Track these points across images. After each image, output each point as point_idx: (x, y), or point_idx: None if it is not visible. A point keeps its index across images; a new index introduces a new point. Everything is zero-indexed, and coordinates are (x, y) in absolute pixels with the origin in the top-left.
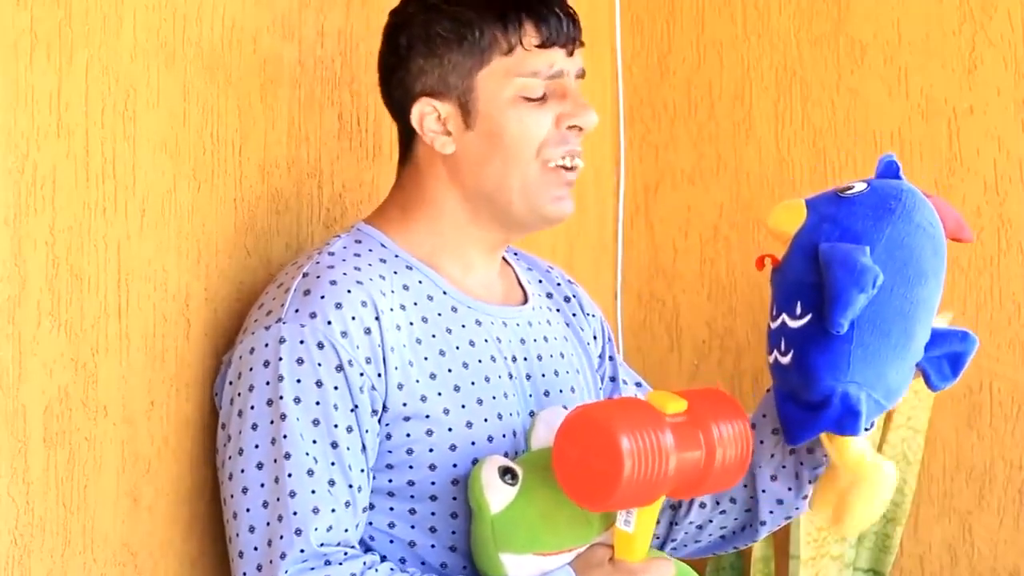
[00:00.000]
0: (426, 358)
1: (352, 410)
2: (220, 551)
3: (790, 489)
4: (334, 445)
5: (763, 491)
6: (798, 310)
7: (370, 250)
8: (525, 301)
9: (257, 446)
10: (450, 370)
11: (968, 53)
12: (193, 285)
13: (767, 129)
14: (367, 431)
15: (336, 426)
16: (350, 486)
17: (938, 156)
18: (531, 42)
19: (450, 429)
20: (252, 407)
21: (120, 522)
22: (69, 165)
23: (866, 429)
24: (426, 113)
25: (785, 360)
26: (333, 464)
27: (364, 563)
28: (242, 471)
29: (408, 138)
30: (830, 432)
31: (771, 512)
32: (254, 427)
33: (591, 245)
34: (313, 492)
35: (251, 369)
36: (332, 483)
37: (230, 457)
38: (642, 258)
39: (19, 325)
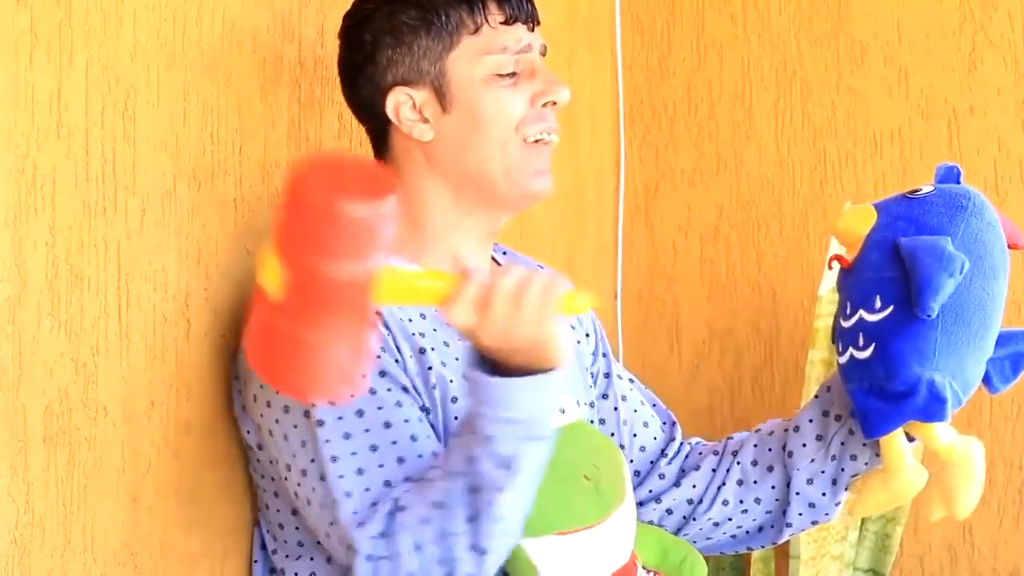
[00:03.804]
0: (433, 348)
1: (391, 389)
2: (220, 551)
3: (824, 494)
4: (387, 425)
5: (797, 493)
6: (877, 304)
7: None
8: None
9: (313, 460)
10: (457, 359)
11: (968, 53)
12: (193, 285)
13: (767, 129)
14: (423, 405)
15: (381, 408)
16: (419, 456)
17: (938, 156)
18: (496, 20)
19: (456, 418)
20: (295, 426)
21: (120, 522)
22: (69, 165)
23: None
24: (401, 103)
25: (864, 354)
26: (395, 443)
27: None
28: (313, 490)
29: (381, 135)
30: (916, 420)
31: (800, 514)
32: (303, 444)
33: (591, 245)
34: (381, 465)
35: (278, 392)
36: (400, 460)
37: (299, 484)
38: (642, 259)
39: (19, 325)
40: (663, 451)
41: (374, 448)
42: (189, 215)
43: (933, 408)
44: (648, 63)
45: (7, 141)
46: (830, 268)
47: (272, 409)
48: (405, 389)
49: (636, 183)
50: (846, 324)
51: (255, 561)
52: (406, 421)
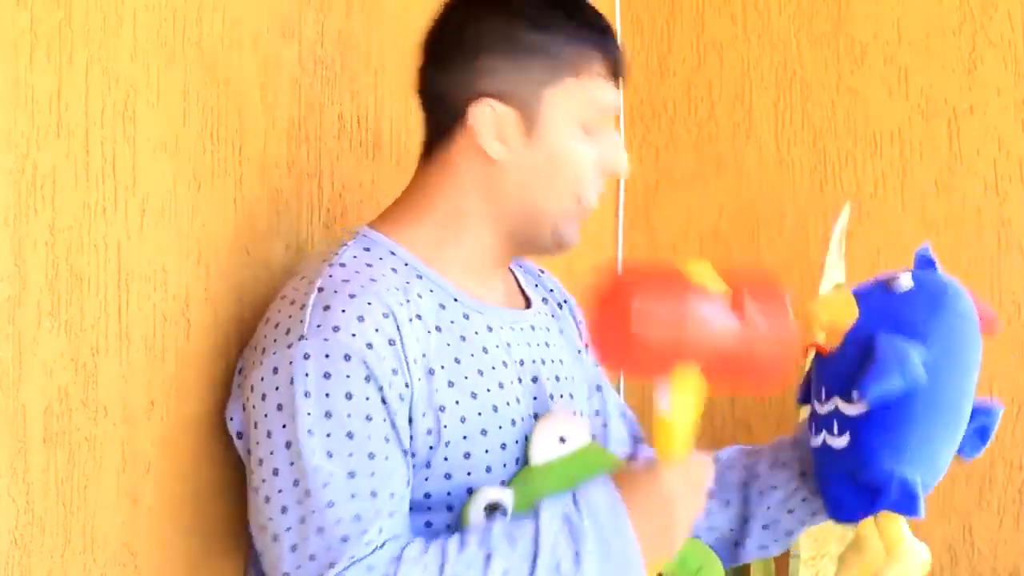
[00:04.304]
0: (443, 367)
1: (386, 420)
2: (220, 551)
3: (777, 541)
4: (371, 456)
5: (749, 536)
6: (854, 397)
7: (380, 259)
8: (527, 305)
9: (292, 463)
10: (467, 377)
11: (968, 53)
12: (193, 285)
13: (767, 129)
14: (410, 437)
15: (370, 437)
16: (392, 495)
17: (938, 156)
18: (600, 70)
19: (465, 437)
20: (284, 426)
21: (120, 522)
22: (69, 165)
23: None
24: (485, 113)
25: (839, 443)
26: (373, 475)
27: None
28: (280, 491)
29: (445, 130)
30: (889, 512)
31: (750, 554)
32: (287, 445)
33: (591, 246)
34: (352, 496)
35: (277, 388)
36: (374, 494)
37: (264, 480)
38: (642, 259)
39: (19, 325)
40: None
41: (352, 475)
42: (189, 215)
43: (906, 504)
44: (648, 63)
45: (7, 141)
46: (805, 355)
47: (265, 403)
48: (394, 425)
49: (636, 183)
50: (821, 410)
51: (255, 561)
52: (387, 458)
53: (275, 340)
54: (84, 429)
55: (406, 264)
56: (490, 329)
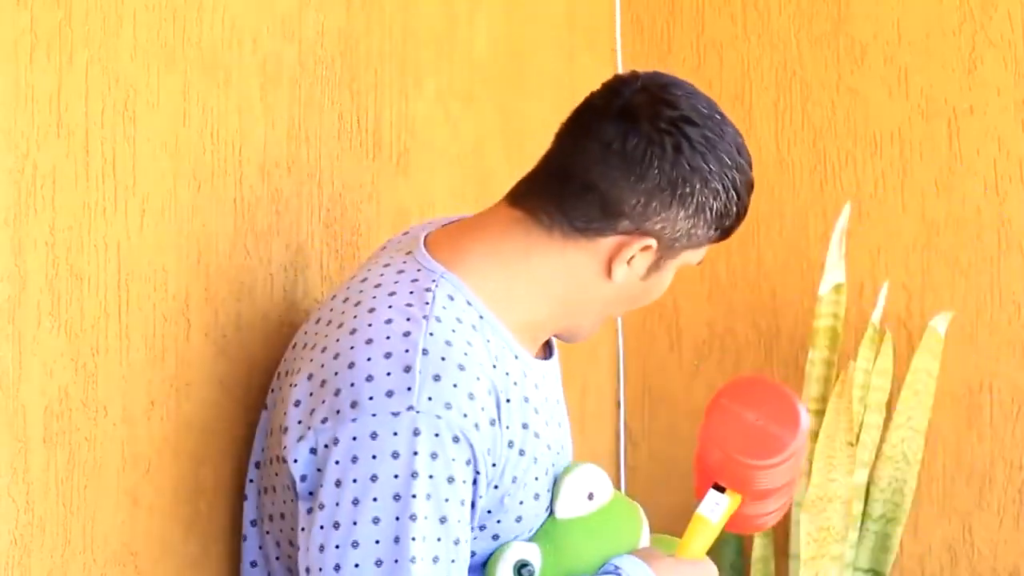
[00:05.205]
0: (516, 435)
1: (472, 504)
2: (220, 551)
3: None
4: (456, 542)
5: None
6: None
7: (463, 311)
8: (550, 352)
9: (378, 542)
10: (530, 443)
11: (968, 53)
12: (193, 285)
13: (767, 129)
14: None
15: (460, 522)
16: None
17: (938, 156)
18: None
19: (521, 503)
20: (375, 499)
21: (120, 522)
22: (69, 165)
23: None
24: (638, 245)
25: None
26: (453, 561)
27: None
28: (356, 566)
29: (580, 222)
30: None
31: None
32: (375, 521)
33: None
34: None
35: (374, 457)
36: None
37: (337, 547)
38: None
39: (19, 325)
40: None
41: (436, 560)
42: (189, 215)
43: None
44: (648, 63)
45: (7, 141)
46: None
47: (357, 467)
48: (474, 506)
49: None
50: None
51: (253, 563)
52: (466, 542)
53: (371, 398)
54: (84, 429)
55: (481, 317)
56: (537, 387)
